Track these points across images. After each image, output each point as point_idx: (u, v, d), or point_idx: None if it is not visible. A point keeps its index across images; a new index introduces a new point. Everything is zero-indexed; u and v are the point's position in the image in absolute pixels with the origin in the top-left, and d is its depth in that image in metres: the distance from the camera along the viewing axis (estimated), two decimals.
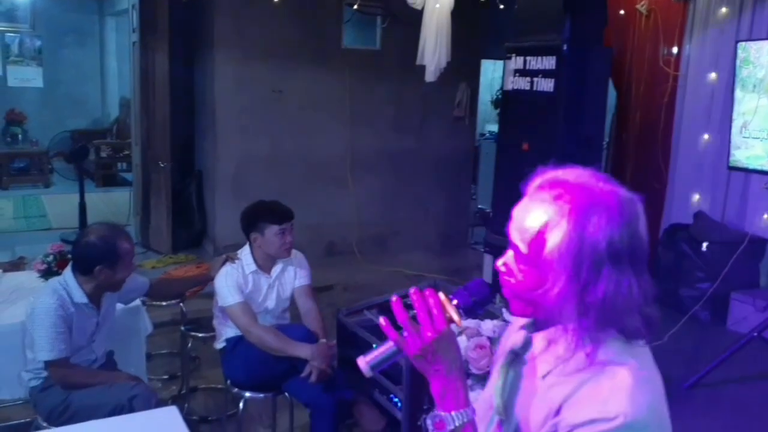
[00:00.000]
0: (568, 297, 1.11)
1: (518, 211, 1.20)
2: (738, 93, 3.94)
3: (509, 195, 5.24)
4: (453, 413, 1.20)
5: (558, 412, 1.15)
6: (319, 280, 5.61)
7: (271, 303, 3.19)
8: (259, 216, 3.12)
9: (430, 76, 5.02)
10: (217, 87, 6.15)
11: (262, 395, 3.12)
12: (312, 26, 6.36)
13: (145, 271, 6.05)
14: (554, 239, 1.12)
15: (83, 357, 2.83)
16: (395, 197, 6.93)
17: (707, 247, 4.41)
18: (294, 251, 3.25)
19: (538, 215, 1.15)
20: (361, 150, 6.74)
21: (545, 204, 1.14)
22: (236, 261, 3.14)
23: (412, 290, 1.21)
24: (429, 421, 1.22)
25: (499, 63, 8.61)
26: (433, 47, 4.90)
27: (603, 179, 1.16)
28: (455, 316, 1.22)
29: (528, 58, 5.17)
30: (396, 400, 2.90)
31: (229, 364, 3.16)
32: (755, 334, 3.55)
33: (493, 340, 2.47)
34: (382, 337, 3.08)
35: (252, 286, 3.12)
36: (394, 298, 1.19)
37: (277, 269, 3.20)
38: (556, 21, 5.08)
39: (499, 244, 5.36)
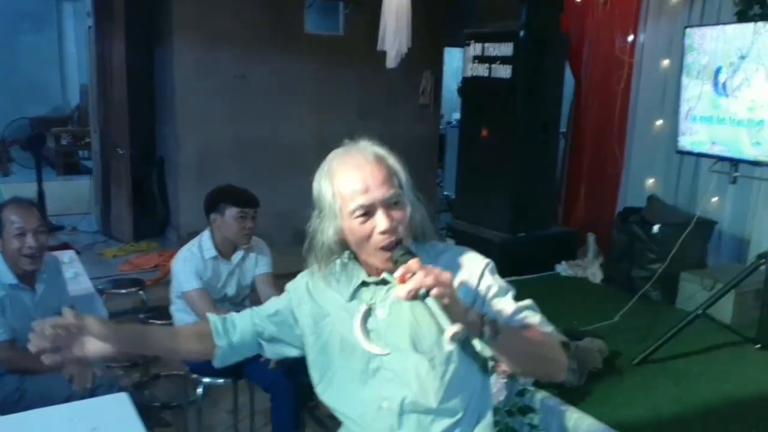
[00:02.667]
0: (420, 208, 1.62)
1: (372, 171, 1.52)
2: (684, 79, 4.03)
3: (472, 181, 5.40)
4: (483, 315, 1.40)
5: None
6: (287, 266, 5.57)
7: (231, 290, 3.19)
8: (222, 197, 3.13)
9: (391, 61, 5.05)
10: (177, 73, 6.12)
11: (221, 380, 3.11)
12: (274, 11, 6.35)
13: (106, 259, 6.04)
14: (402, 174, 1.61)
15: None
16: None
17: (658, 229, 4.53)
18: (256, 239, 3.26)
19: (385, 163, 1.57)
20: (327, 136, 6.73)
21: (379, 156, 1.59)
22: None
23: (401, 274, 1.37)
24: (487, 337, 1.37)
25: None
26: (394, 33, 4.92)
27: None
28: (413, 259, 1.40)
29: (486, 44, 5.24)
30: None
31: None
32: (700, 311, 3.68)
33: None
34: None
35: (211, 272, 3.12)
36: (409, 283, 1.32)
37: (237, 256, 3.20)
38: (514, 8, 5.16)
39: (462, 229, 5.49)
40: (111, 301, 4.41)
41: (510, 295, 1.57)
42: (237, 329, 1.73)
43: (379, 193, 1.48)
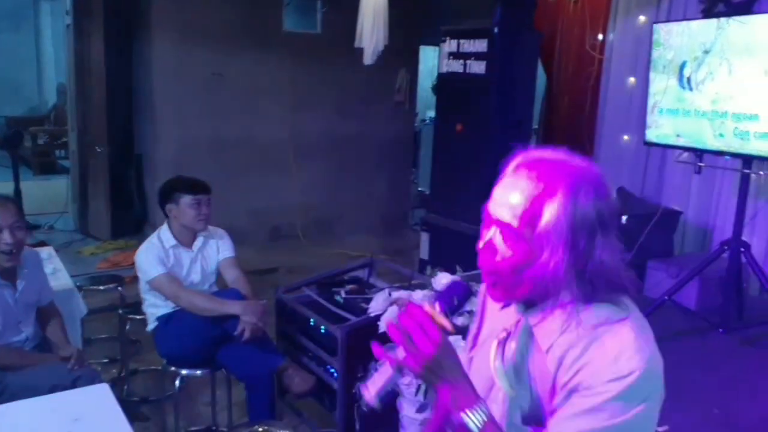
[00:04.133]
0: (566, 266, 1.16)
1: (503, 190, 1.22)
2: (651, 74, 4.15)
3: (446, 175, 5.48)
4: (468, 411, 1.18)
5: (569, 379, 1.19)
6: (264, 263, 5.71)
7: (196, 277, 3.24)
8: (174, 187, 3.19)
9: (368, 58, 5.11)
10: (155, 70, 6.14)
11: (199, 372, 3.13)
12: (252, 9, 6.37)
13: (84, 257, 6.05)
14: (550, 212, 1.16)
15: (11, 337, 2.81)
16: (338, 181, 7.03)
17: (626, 219, 4.66)
18: (214, 228, 3.33)
19: (527, 191, 1.18)
20: (304, 134, 6.80)
21: (533, 181, 1.18)
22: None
23: (399, 313, 1.21)
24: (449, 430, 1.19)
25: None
26: (371, 30, 4.99)
27: (577, 157, 1.24)
28: (446, 323, 1.20)
29: (461, 41, 5.32)
30: (332, 370, 3.01)
31: (162, 342, 3.18)
32: (666, 297, 3.80)
33: None
34: (320, 313, 3.19)
35: (174, 260, 3.17)
36: (386, 324, 1.19)
37: (198, 243, 3.25)
38: (489, 6, 5.25)
39: (436, 222, 5.57)
40: (90, 298, 4.42)
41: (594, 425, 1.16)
42: None
43: (496, 210, 1.25)
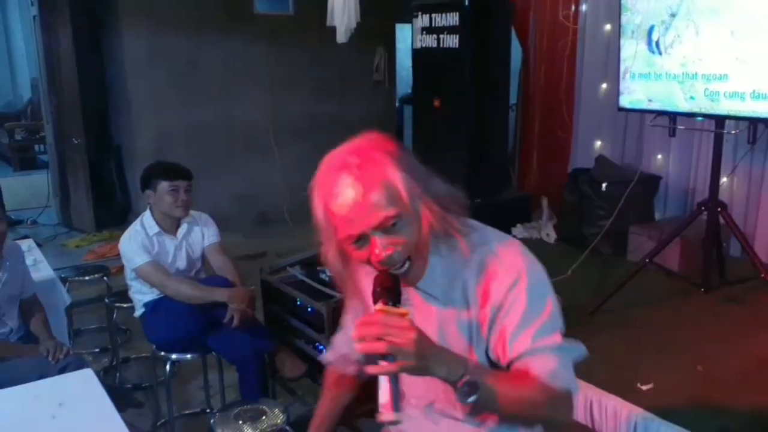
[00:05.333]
0: (436, 207, 1.29)
1: (353, 209, 1.23)
2: (621, 40, 4.17)
3: (427, 150, 5.48)
4: (467, 378, 1.19)
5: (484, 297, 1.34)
6: (252, 248, 5.72)
7: (181, 264, 3.23)
8: (152, 173, 3.17)
9: (341, 36, 5.09)
10: (128, 60, 6.11)
11: (188, 356, 3.14)
12: None
13: (69, 250, 6.04)
14: (400, 184, 1.24)
15: None
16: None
17: (606, 187, 4.71)
18: (198, 213, 3.31)
19: (375, 181, 1.23)
20: (284, 117, 6.79)
21: (361, 178, 1.23)
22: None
23: (355, 337, 1.17)
24: (462, 398, 1.19)
25: None
26: (342, 7, 4.97)
27: (368, 133, 1.32)
28: (400, 310, 1.21)
29: (433, 15, 5.32)
30: (321, 347, 3.04)
31: (151, 328, 3.19)
32: (647, 260, 3.86)
33: None
34: (305, 292, 3.20)
35: (158, 248, 3.15)
36: (360, 346, 1.16)
37: (182, 230, 3.23)
38: None
39: None
40: (76, 290, 4.44)
41: (539, 327, 1.30)
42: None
43: (366, 222, 1.24)
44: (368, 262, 1.29)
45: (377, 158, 1.26)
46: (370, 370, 1.16)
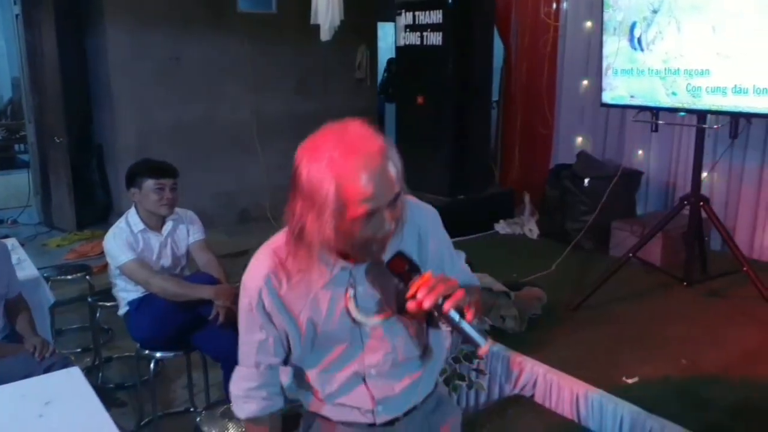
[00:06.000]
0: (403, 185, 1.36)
1: (381, 175, 1.27)
2: (604, 36, 4.20)
3: (410, 147, 5.49)
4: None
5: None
6: (235, 246, 5.69)
7: (166, 261, 3.21)
8: (138, 171, 3.14)
9: (325, 34, 5.09)
10: (111, 57, 6.06)
11: (173, 354, 3.12)
12: None
13: (51, 250, 5.98)
14: (398, 161, 1.33)
15: None
16: None
17: (588, 182, 4.73)
18: (184, 210, 3.29)
19: (389, 158, 1.30)
20: (266, 115, 6.77)
21: (383, 150, 1.30)
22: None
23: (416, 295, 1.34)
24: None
25: None
26: (326, 5, 4.97)
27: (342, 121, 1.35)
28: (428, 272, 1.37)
29: (417, 12, 5.34)
30: None
31: (135, 326, 3.16)
32: (630, 255, 3.88)
33: None
34: None
35: (143, 245, 3.13)
36: (426, 301, 1.32)
37: (167, 227, 3.21)
38: None
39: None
40: (58, 289, 4.40)
41: (455, 253, 1.64)
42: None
43: (387, 196, 1.29)
44: (372, 238, 1.33)
45: (379, 137, 1.32)
46: (447, 306, 1.31)
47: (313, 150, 1.30)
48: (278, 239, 1.49)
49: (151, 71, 6.17)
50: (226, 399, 2.92)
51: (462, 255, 1.71)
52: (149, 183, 3.10)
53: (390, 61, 8.81)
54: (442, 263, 1.54)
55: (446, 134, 5.34)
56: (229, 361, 2.99)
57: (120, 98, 6.14)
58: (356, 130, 1.31)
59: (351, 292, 1.46)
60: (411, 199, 1.46)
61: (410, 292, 1.33)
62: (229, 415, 2.44)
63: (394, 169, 1.29)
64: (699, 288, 4.08)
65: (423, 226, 1.52)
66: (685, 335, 3.50)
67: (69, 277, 4.23)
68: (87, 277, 4.20)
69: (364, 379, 1.51)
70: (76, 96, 6.37)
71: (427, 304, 1.30)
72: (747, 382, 3.05)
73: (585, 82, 5.43)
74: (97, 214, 6.57)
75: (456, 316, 1.32)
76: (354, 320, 1.46)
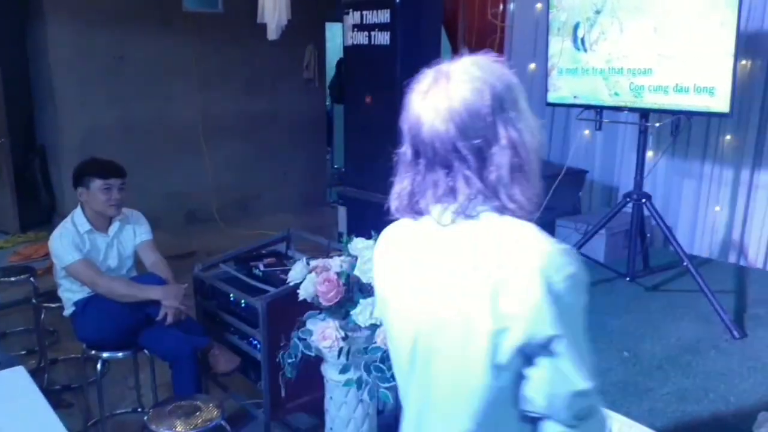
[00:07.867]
0: None
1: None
2: (549, 37, 4.28)
3: (359, 148, 5.51)
4: None
5: None
6: (181, 247, 5.63)
7: (113, 262, 3.18)
8: (85, 171, 3.11)
9: (272, 33, 5.08)
10: (52, 56, 5.92)
11: (120, 354, 3.09)
12: None
13: None
14: None
15: None
16: (253, 161, 6.97)
17: None
18: (130, 210, 3.27)
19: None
20: (214, 115, 6.70)
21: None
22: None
23: None
24: None
25: None
26: (273, 4, 4.96)
27: None
28: None
29: (365, 12, 5.34)
30: (255, 342, 3.04)
31: (81, 327, 3.12)
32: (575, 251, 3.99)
33: (341, 274, 2.61)
34: (239, 288, 3.17)
35: (89, 245, 3.10)
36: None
37: (114, 228, 3.19)
38: None
39: (353, 195, 5.61)
40: (2, 291, 4.31)
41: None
42: None
43: None
44: None
45: None
46: None
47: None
48: None
49: (96, 70, 6.05)
50: (176, 396, 2.92)
51: None
52: (97, 183, 3.07)
53: (340, 62, 8.84)
54: None
55: (394, 134, 5.35)
56: (178, 360, 3.00)
57: (63, 98, 6.01)
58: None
59: None
60: None
61: None
62: (178, 413, 2.43)
63: None
64: (640, 283, 4.20)
65: None
66: (627, 328, 3.61)
67: (13, 279, 4.14)
68: (31, 279, 4.12)
69: None
70: (17, 95, 6.23)
71: None
72: (686, 372, 3.16)
73: (530, 83, 5.52)
74: (41, 215, 6.43)
75: None
76: None
